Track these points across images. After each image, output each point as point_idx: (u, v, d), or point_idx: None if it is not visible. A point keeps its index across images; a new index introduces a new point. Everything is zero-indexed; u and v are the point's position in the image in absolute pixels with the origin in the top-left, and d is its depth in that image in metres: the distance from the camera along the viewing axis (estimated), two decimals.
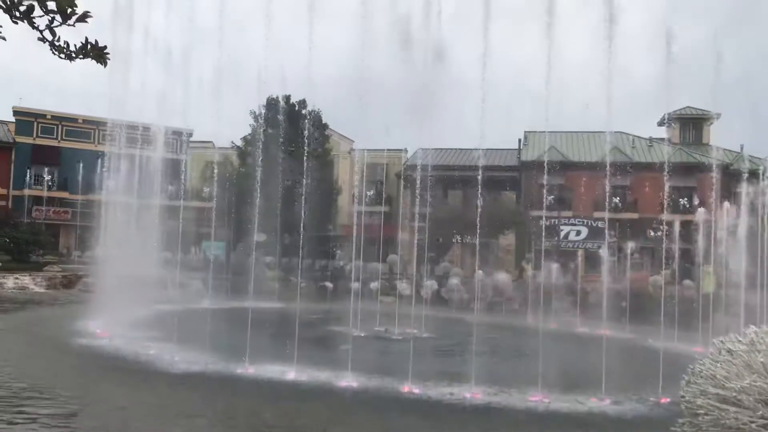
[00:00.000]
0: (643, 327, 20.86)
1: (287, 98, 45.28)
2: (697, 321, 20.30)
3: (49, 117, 51.40)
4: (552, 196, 44.18)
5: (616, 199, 41.98)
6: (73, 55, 2.99)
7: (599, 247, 37.60)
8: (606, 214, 35.00)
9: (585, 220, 43.65)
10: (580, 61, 28.61)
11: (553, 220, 41.29)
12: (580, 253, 39.26)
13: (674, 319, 18.95)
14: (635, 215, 42.38)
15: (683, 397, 5.17)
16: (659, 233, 35.07)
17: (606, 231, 37.93)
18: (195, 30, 33.92)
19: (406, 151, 48.03)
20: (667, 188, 32.62)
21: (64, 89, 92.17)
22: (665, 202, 35.24)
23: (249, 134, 45.50)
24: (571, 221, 43.89)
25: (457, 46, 53.49)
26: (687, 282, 29.78)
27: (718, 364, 4.94)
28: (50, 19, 2.89)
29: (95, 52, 3.03)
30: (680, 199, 41.68)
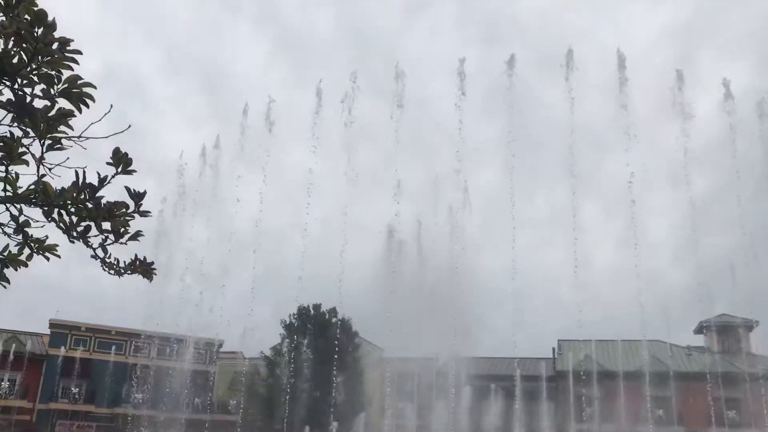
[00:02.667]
0: None
1: (317, 307, 45.69)
2: None
3: (83, 329, 52.12)
4: (590, 408, 42.26)
5: (659, 412, 39.96)
6: (123, 270, 3.08)
7: None
8: (651, 429, 33.05)
9: None
10: (610, 270, 28.85)
11: None
12: None
13: None
14: (681, 429, 40.03)
15: None
16: None
17: None
18: (229, 244, 35.33)
19: (437, 360, 47.16)
20: (711, 399, 31.16)
21: (101, 299, 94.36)
22: (713, 414, 33.42)
23: (278, 344, 45.36)
24: None
25: (487, 257, 54.63)
26: None
27: None
28: (104, 238, 3.01)
29: (143, 268, 3.12)
30: (728, 411, 39.55)
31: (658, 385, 36.49)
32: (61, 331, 51.55)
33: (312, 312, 46.06)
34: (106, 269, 3.03)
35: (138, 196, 2.89)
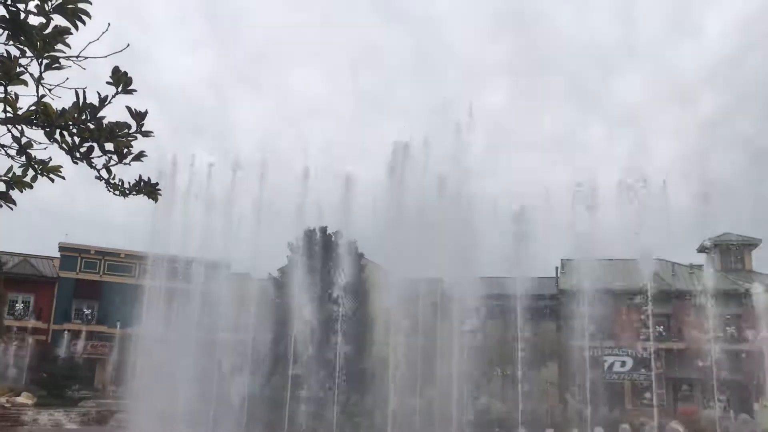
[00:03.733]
0: None
1: (324, 229, 46.04)
2: None
3: (92, 252, 52.87)
4: (592, 326, 43.09)
5: (660, 328, 40.75)
6: (127, 191, 3.09)
7: (646, 378, 36.12)
8: (651, 344, 33.80)
9: (629, 350, 42.21)
10: (615, 190, 28.81)
11: (595, 351, 40.01)
12: (626, 384, 37.69)
13: None
14: (681, 345, 40.93)
15: None
16: (708, 363, 33.65)
17: (652, 361, 36.52)
18: (234, 166, 35.32)
19: (442, 281, 47.80)
20: (713, 316, 31.67)
21: (108, 224, 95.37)
22: (712, 331, 34.08)
23: (286, 265, 45.94)
24: (614, 351, 42.49)
25: (493, 176, 54.58)
26: (743, 416, 28.21)
27: None
28: (107, 159, 3.00)
29: (148, 189, 3.12)
30: (728, 327, 40.30)
31: (658, 303, 37.07)
32: (70, 255, 52.33)
33: (318, 234, 46.44)
34: (111, 190, 3.04)
35: (139, 116, 2.86)
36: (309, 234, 46.21)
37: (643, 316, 32.51)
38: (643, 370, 40.27)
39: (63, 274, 51.70)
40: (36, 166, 2.99)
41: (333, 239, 46.20)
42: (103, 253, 53.14)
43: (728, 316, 40.26)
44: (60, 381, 33.81)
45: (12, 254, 51.94)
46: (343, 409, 34.02)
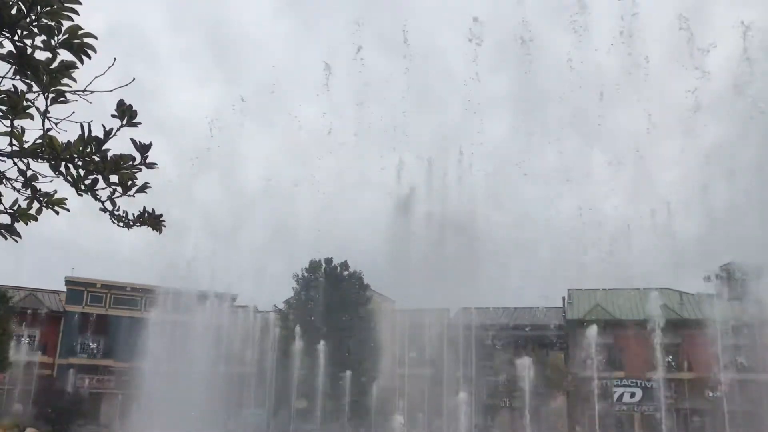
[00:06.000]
0: None
1: (329, 261, 46.03)
2: None
3: (98, 286, 52.86)
4: (601, 357, 42.69)
5: (669, 358, 40.33)
6: (131, 223, 3.10)
7: (656, 410, 35.64)
8: (660, 374, 33.36)
9: (638, 381, 41.71)
10: (621, 219, 28.78)
11: (604, 381, 39.57)
12: (636, 417, 37.23)
13: None
14: (691, 375, 40.46)
15: None
16: (719, 394, 33.21)
17: (662, 392, 36.08)
18: (241, 199, 35.45)
19: (448, 311, 47.56)
20: (722, 346, 31.35)
21: (114, 258, 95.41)
22: (722, 361, 33.72)
23: (292, 297, 45.86)
24: (623, 382, 41.99)
25: (498, 209, 54.55)
26: None
27: None
28: (111, 191, 3.03)
29: (152, 220, 3.14)
30: (737, 357, 39.85)
31: (667, 333, 36.75)
32: (77, 288, 52.33)
33: (324, 266, 46.41)
34: (115, 222, 3.06)
35: (144, 148, 2.89)
36: (314, 265, 46.21)
37: (651, 346, 32.21)
38: (652, 401, 39.77)
39: (69, 308, 51.65)
40: (41, 198, 3.02)
41: (338, 270, 46.18)
42: (109, 287, 53.13)
43: (737, 346, 39.85)
44: (65, 416, 33.55)
45: (18, 288, 51.97)
46: None
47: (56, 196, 3.06)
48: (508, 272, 35.91)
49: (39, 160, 2.91)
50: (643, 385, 41.52)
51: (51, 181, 3.02)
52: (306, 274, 46.00)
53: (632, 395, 41.87)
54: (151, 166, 2.92)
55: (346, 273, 45.89)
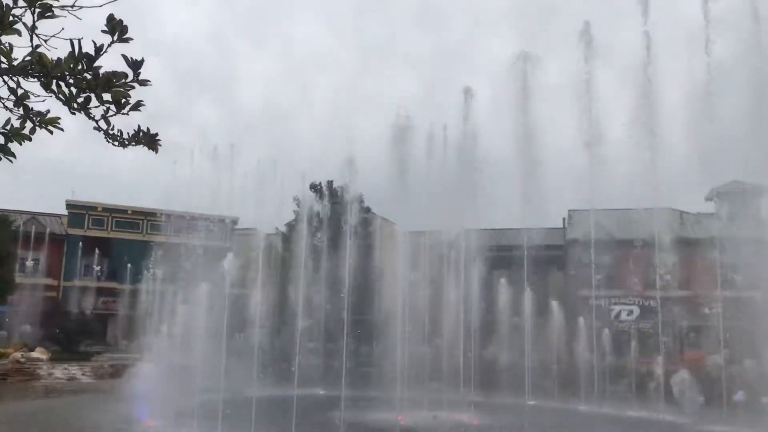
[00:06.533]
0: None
1: (330, 183, 46.08)
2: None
3: (100, 209, 53.11)
4: (600, 276, 43.26)
5: (668, 277, 40.84)
6: (126, 142, 3.05)
7: (653, 327, 36.39)
8: (658, 292, 33.92)
9: (636, 299, 42.47)
10: (623, 138, 28.57)
11: (602, 300, 40.26)
12: (633, 333, 37.99)
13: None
14: (688, 293, 41.10)
15: None
16: (715, 311, 33.83)
17: (659, 310, 36.73)
18: (240, 120, 35.09)
19: (449, 233, 47.84)
20: (720, 264, 31.70)
21: (115, 181, 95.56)
22: (719, 279, 34.15)
23: (293, 220, 46.13)
24: (622, 300, 42.76)
25: (499, 127, 54.19)
26: (748, 362, 28.44)
27: None
28: (105, 109, 2.97)
29: (147, 139, 3.09)
30: (734, 275, 40.35)
31: (666, 252, 37.09)
32: (78, 212, 52.60)
33: (324, 188, 46.52)
34: (110, 141, 3.01)
35: (136, 65, 2.81)
36: (315, 188, 46.31)
37: (650, 265, 32.60)
38: (650, 319, 40.59)
39: (71, 232, 52.03)
40: (34, 118, 2.96)
41: (339, 193, 46.27)
42: (110, 210, 53.39)
43: (735, 264, 40.29)
44: (73, 336, 34.30)
45: (20, 213, 52.24)
46: (352, 359, 34.55)
47: (49, 115, 3.00)
48: (510, 194, 35.94)
49: (29, 78, 2.83)
50: (641, 303, 42.31)
51: (44, 101, 2.96)
52: (306, 197, 46.15)
53: (629, 313, 42.74)
54: (144, 83, 2.84)
55: (347, 195, 45.99)
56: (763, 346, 25.07)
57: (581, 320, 32.18)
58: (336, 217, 40.14)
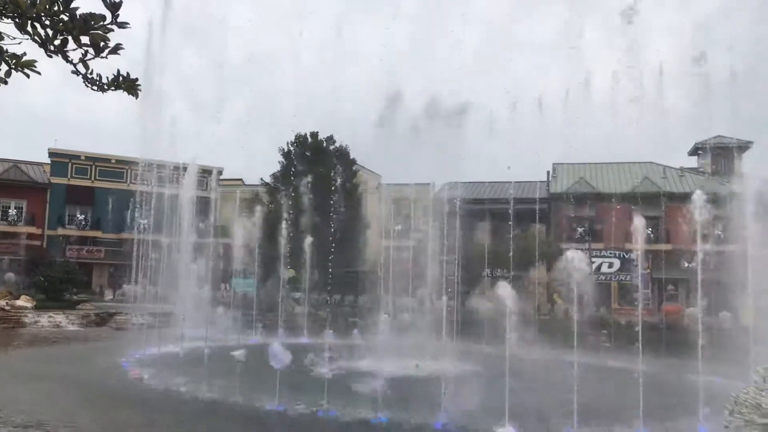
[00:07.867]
0: (682, 360, 20.30)
1: (315, 135, 45.80)
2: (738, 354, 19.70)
3: (83, 158, 52.55)
4: (582, 228, 43.76)
5: (648, 230, 41.35)
6: (105, 86, 3.03)
7: (632, 279, 36.99)
8: (638, 245, 34.27)
9: (617, 252, 43.04)
10: (608, 91, 28.54)
11: (583, 253, 40.70)
12: (613, 285, 38.59)
13: (713, 351, 18.43)
14: (669, 246, 41.70)
15: (727, 426, 5.00)
16: (694, 264, 34.35)
17: (639, 263, 37.27)
18: (225, 69, 34.60)
19: (433, 185, 47.92)
20: (700, 218, 32.02)
21: (97, 130, 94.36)
22: (699, 233, 34.56)
23: (278, 171, 45.96)
24: (602, 253, 43.31)
25: (485, 80, 53.78)
26: (724, 314, 29.08)
27: (763, 393, 4.77)
28: (83, 52, 2.93)
29: (127, 84, 3.07)
30: (715, 230, 40.89)
31: (648, 206, 37.47)
32: (61, 160, 52.02)
33: (309, 140, 46.26)
34: (89, 85, 2.98)
35: (114, 6, 2.77)
36: (301, 139, 46.03)
37: (631, 219, 32.90)
38: (629, 272, 41.24)
39: (54, 180, 51.57)
40: (9, 60, 2.92)
41: (324, 144, 46.07)
42: (93, 159, 52.85)
43: (716, 219, 40.77)
44: (58, 284, 34.28)
45: (2, 160, 51.60)
46: (337, 308, 34.93)
47: (25, 58, 2.96)
48: (495, 146, 35.99)
49: (3, 18, 2.79)
50: (622, 256, 42.90)
51: (19, 43, 2.92)
52: (292, 148, 45.90)
53: (610, 265, 43.33)
54: (122, 25, 2.81)
55: (332, 147, 45.80)
56: (737, 299, 25.59)
57: (562, 272, 32.51)
58: (321, 168, 40.04)
